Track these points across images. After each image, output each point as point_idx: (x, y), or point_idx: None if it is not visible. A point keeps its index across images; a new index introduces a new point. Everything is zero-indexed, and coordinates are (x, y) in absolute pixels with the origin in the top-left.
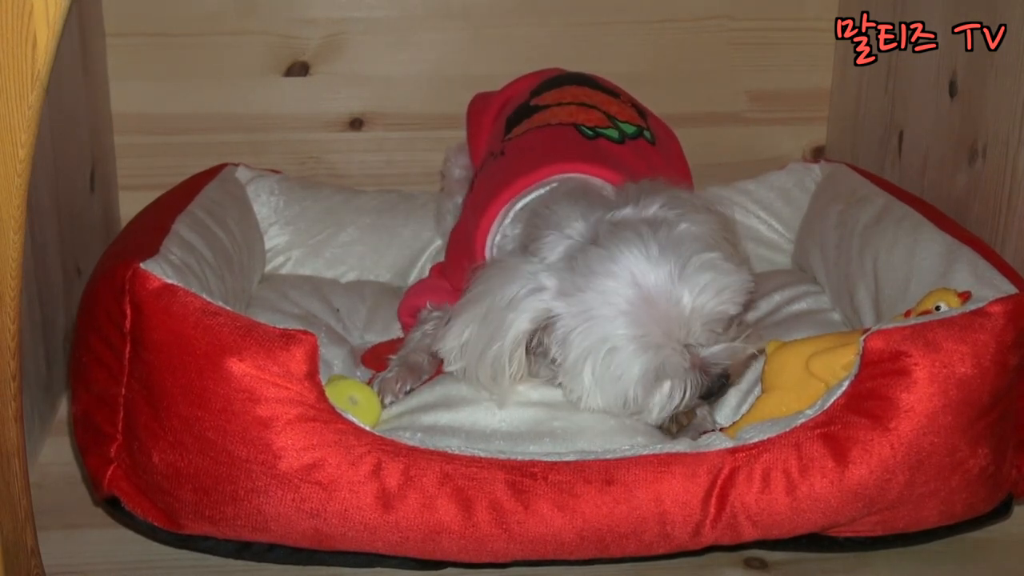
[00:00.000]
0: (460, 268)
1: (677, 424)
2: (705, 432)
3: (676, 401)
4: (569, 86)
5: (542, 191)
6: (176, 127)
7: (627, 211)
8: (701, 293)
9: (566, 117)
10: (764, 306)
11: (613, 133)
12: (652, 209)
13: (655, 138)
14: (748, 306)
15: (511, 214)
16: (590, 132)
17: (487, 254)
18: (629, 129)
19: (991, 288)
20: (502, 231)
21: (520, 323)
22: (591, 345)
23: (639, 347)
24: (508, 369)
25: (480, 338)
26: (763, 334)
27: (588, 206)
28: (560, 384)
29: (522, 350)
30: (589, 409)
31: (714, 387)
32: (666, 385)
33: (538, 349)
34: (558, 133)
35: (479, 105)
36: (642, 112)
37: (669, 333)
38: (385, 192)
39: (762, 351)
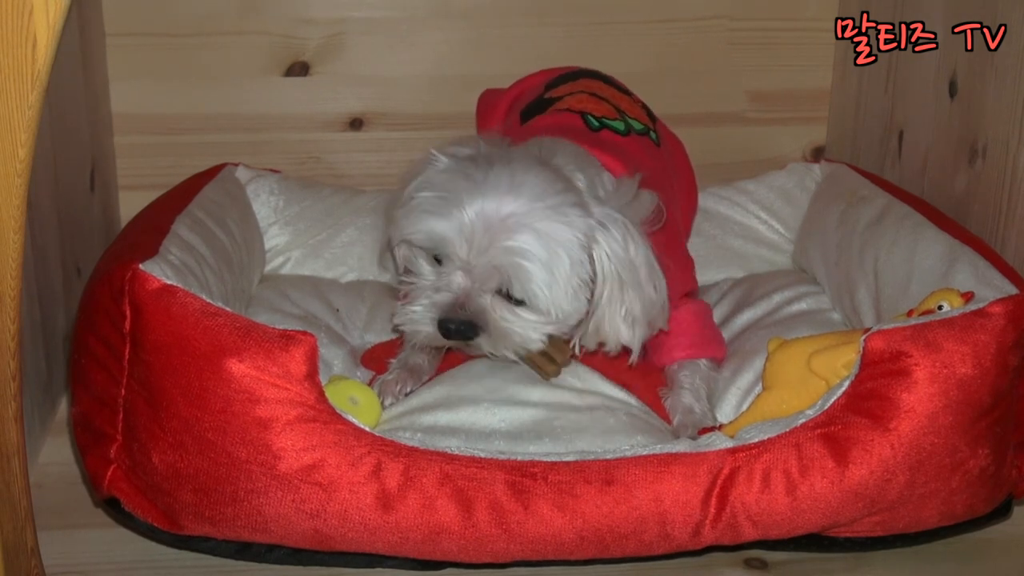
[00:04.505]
0: None
1: (541, 359)
2: (705, 431)
3: (431, 292)
4: (583, 79)
5: None
6: (176, 127)
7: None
8: (512, 248)
9: (575, 104)
10: (764, 306)
11: (619, 125)
12: (613, 198)
13: (660, 141)
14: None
15: None
16: (596, 123)
17: None
18: (637, 126)
19: (991, 288)
20: None
21: (416, 177)
22: (429, 181)
23: (449, 214)
24: (404, 203)
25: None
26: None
27: (592, 162)
28: None
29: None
30: None
31: (450, 325)
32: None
33: None
34: (564, 118)
35: (489, 100)
36: (651, 116)
37: (471, 234)
38: (385, 192)
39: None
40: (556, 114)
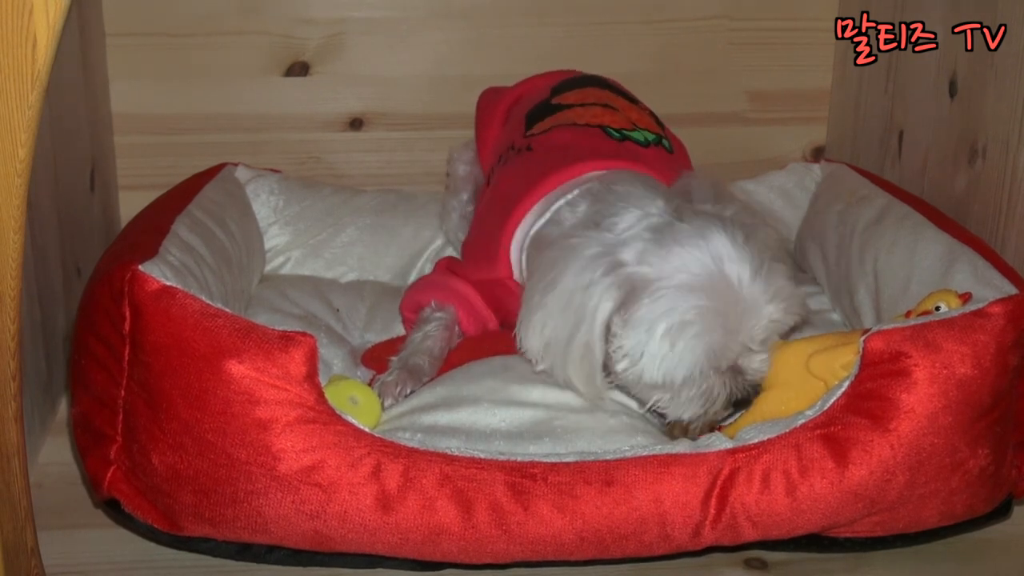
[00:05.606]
0: (478, 261)
1: (686, 430)
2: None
3: (715, 397)
4: (591, 88)
5: (585, 186)
6: (176, 127)
7: (707, 206)
8: (775, 297)
9: (592, 118)
10: None
11: (639, 136)
12: (730, 211)
13: (672, 148)
14: (798, 326)
15: (555, 206)
16: (617, 134)
17: (515, 246)
18: (650, 136)
19: (991, 288)
20: (555, 213)
21: (604, 303)
22: (665, 312)
23: (712, 326)
24: (600, 358)
25: (563, 328)
26: None
27: (662, 191)
28: (621, 357)
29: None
30: (632, 384)
31: (747, 397)
32: (712, 379)
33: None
34: (587, 133)
35: (490, 98)
36: (659, 122)
37: (735, 327)
38: (385, 192)
39: None
40: (575, 128)
